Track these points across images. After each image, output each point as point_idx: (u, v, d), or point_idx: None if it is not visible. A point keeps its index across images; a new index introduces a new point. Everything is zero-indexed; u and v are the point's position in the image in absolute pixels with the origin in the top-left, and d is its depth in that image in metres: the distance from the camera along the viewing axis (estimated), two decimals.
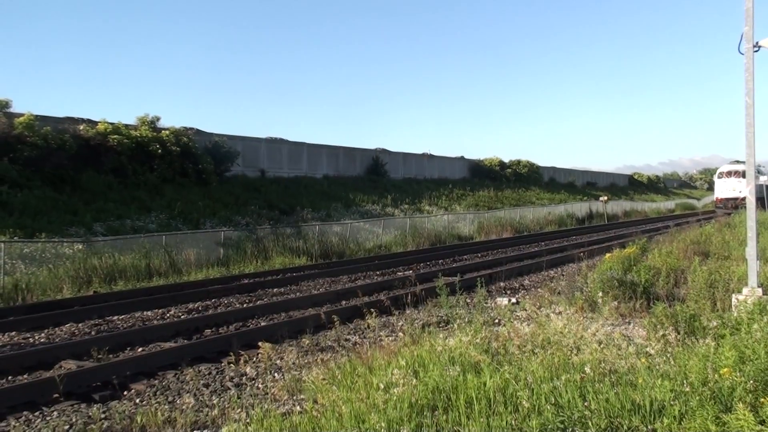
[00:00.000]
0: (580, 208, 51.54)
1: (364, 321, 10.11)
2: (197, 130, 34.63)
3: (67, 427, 6.82)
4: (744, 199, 10.86)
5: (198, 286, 16.71)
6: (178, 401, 7.53)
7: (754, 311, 7.45)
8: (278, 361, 9.10)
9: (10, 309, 13.96)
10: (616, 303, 10.42)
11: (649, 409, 4.90)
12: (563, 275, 17.14)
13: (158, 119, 32.23)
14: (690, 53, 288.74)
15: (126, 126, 30.10)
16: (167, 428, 6.48)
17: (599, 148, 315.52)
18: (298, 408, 6.56)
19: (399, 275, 18.17)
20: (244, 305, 14.25)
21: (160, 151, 30.28)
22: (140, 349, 10.34)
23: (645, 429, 4.72)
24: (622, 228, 40.61)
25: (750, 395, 4.94)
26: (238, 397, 7.41)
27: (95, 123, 29.17)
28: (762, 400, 4.82)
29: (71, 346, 10.24)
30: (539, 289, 14.25)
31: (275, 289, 16.57)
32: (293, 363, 8.92)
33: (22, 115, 26.01)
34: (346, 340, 10.48)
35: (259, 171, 37.93)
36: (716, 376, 5.23)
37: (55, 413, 7.30)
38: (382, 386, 5.99)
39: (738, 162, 47.54)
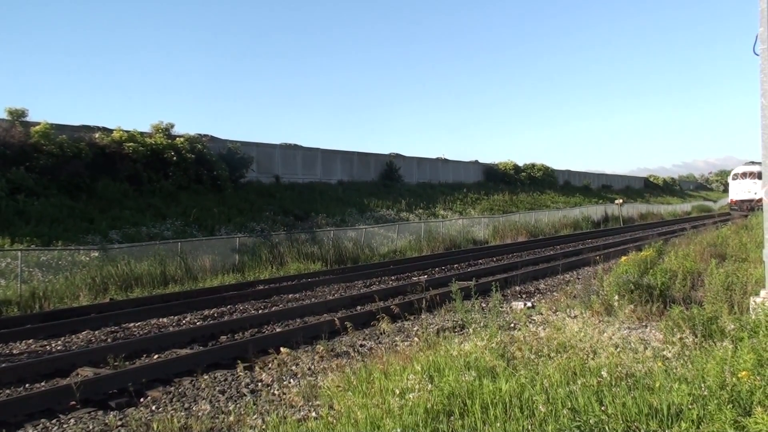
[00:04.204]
0: (595, 211, 51.33)
1: (379, 326, 10.10)
2: (212, 136, 34.77)
3: None
4: (760, 200, 10.76)
5: (213, 293, 16.78)
6: (194, 408, 7.54)
7: None
8: (294, 367, 9.11)
9: (28, 317, 14.07)
10: (632, 306, 10.35)
11: (666, 413, 4.86)
12: (579, 279, 17.07)
13: (173, 126, 32.40)
14: (703, 55, 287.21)
15: (141, 133, 30.25)
16: None
17: (613, 150, 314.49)
18: (313, 414, 6.55)
19: (414, 280, 18.13)
20: (260, 311, 14.28)
21: (175, 158, 30.41)
22: (156, 356, 10.37)
23: None
24: (638, 231, 40.39)
25: None
26: (254, 404, 7.40)
27: (110, 131, 29.34)
28: None
29: (88, 353, 10.30)
30: (555, 293, 14.18)
31: (290, 295, 16.59)
32: (309, 369, 8.93)
33: (38, 123, 26.24)
34: (362, 345, 10.47)
35: (273, 177, 38.00)
36: (734, 379, 5.19)
37: (72, 421, 7.33)
38: (397, 392, 5.98)
39: (753, 163, 46.99)
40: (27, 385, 8.91)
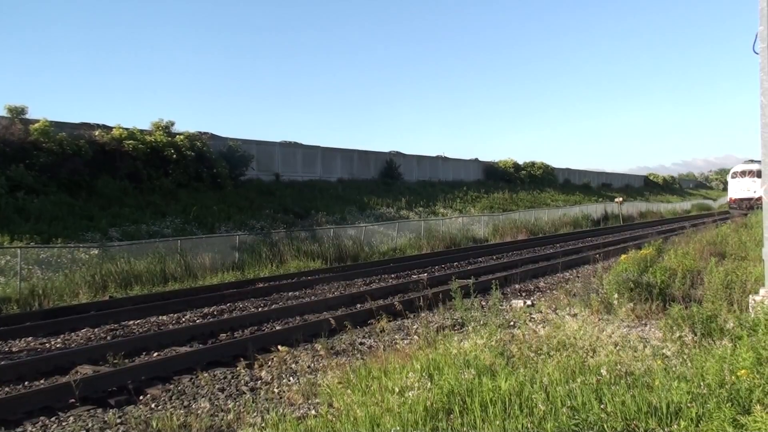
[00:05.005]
0: (595, 209, 51.32)
1: (378, 324, 10.10)
2: (212, 134, 34.72)
3: None
4: (759, 199, 10.75)
5: (213, 291, 16.77)
6: (193, 406, 7.55)
7: None
8: (293, 365, 9.11)
9: (27, 314, 14.07)
10: (631, 305, 10.35)
11: (665, 411, 4.86)
12: (578, 277, 17.06)
13: (173, 124, 32.38)
14: (703, 53, 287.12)
15: (141, 131, 30.22)
16: None
17: (613, 149, 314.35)
18: (313, 412, 6.55)
19: (414, 278, 18.13)
20: (260, 309, 14.28)
21: (174, 155, 30.38)
22: (156, 354, 10.37)
23: (662, 431, 4.68)
24: (637, 229, 40.41)
25: None
26: (254, 402, 7.41)
27: (110, 128, 29.30)
28: None
29: (87, 351, 10.29)
30: (554, 291, 14.17)
31: (290, 293, 16.59)
32: (308, 367, 8.94)
33: (37, 121, 26.19)
34: (361, 343, 10.48)
35: (273, 175, 37.98)
36: (733, 377, 5.19)
37: (72, 418, 7.33)
38: (397, 390, 5.98)
39: (752, 161, 46.99)
40: (26, 383, 8.90)
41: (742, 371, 5.19)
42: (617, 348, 7.13)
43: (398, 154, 49.81)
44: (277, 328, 12.10)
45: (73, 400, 7.81)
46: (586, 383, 5.54)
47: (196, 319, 13.47)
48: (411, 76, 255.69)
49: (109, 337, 11.94)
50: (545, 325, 9.13)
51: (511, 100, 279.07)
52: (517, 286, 16.37)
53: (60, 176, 25.61)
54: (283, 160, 39.62)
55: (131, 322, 13.26)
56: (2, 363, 9.68)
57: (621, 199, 53.92)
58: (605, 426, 4.76)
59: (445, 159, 55.29)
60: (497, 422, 5.05)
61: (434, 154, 54.82)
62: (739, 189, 47.63)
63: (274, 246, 23.15)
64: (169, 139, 30.89)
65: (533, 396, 5.38)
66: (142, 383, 8.61)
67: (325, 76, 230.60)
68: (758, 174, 34.97)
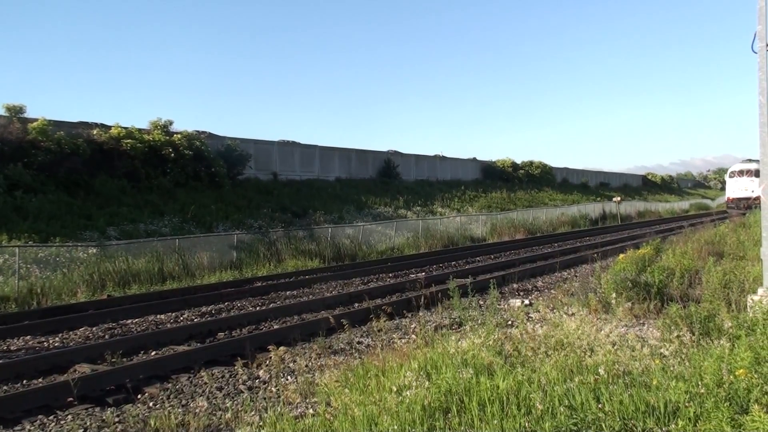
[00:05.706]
0: (593, 208, 51.31)
1: (376, 323, 10.09)
2: (210, 133, 34.70)
3: (81, 430, 6.85)
4: (757, 198, 10.75)
5: (211, 290, 16.75)
6: (191, 404, 7.54)
7: None
8: (291, 364, 9.11)
9: (25, 313, 14.05)
10: (629, 304, 10.34)
11: (663, 410, 4.86)
12: (576, 276, 17.06)
13: (171, 123, 32.27)
14: (702, 52, 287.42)
15: (139, 130, 30.15)
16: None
17: (612, 148, 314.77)
18: (311, 411, 6.55)
19: (411, 277, 18.13)
20: (257, 308, 14.27)
21: (173, 155, 30.34)
22: (154, 353, 10.37)
23: (659, 431, 4.69)
24: (635, 228, 40.42)
25: (766, 397, 4.89)
26: (251, 400, 7.41)
27: (108, 127, 29.24)
28: None
29: (85, 349, 10.28)
30: (552, 291, 14.18)
31: (288, 292, 16.59)
32: (306, 366, 8.93)
33: (35, 120, 26.11)
34: (359, 342, 10.47)
35: (271, 174, 37.96)
36: (731, 377, 5.19)
37: (70, 417, 7.33)
38: (394, 389, 5.98)
39: (750, 161, 47.09)
40: (24, 382, 8.90)
41: (740, 371, 5.19)
42: (615, 347, 7.14)
43: (396, 153, 49.77)
44: (275, 327, 12.09)
45: (71, 399, 7.81)
46: (584, 382, 5.54)
47: (194, 318, 13.47)
48: (409, 76, 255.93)
49: (107, 336, 11.94)
50: (543, 325, 9.13)
51: (509, 99, 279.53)
52: (515, 285, 16.38)
53: (58, 175, 25.59)
54: (280, 159, 39.59)
55: (129, 321, 13.25)
56: (0, 362, 9.68)
57: (619, 198, 53.93)
58: (603, 425, 4.77)
59: (443, 158, 55.24)
60: (495, 421, 5.05)
61: (432, 154, 54.81)
62: (737, 188, 47.66)
63: (272, 245, 23.13)
64: (167, 138, 30.84)
65: (531, 395, 5.38)
66: (140, 382, 8.61)
67: (323, 76, 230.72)
68: (756, 173, 35.00)
